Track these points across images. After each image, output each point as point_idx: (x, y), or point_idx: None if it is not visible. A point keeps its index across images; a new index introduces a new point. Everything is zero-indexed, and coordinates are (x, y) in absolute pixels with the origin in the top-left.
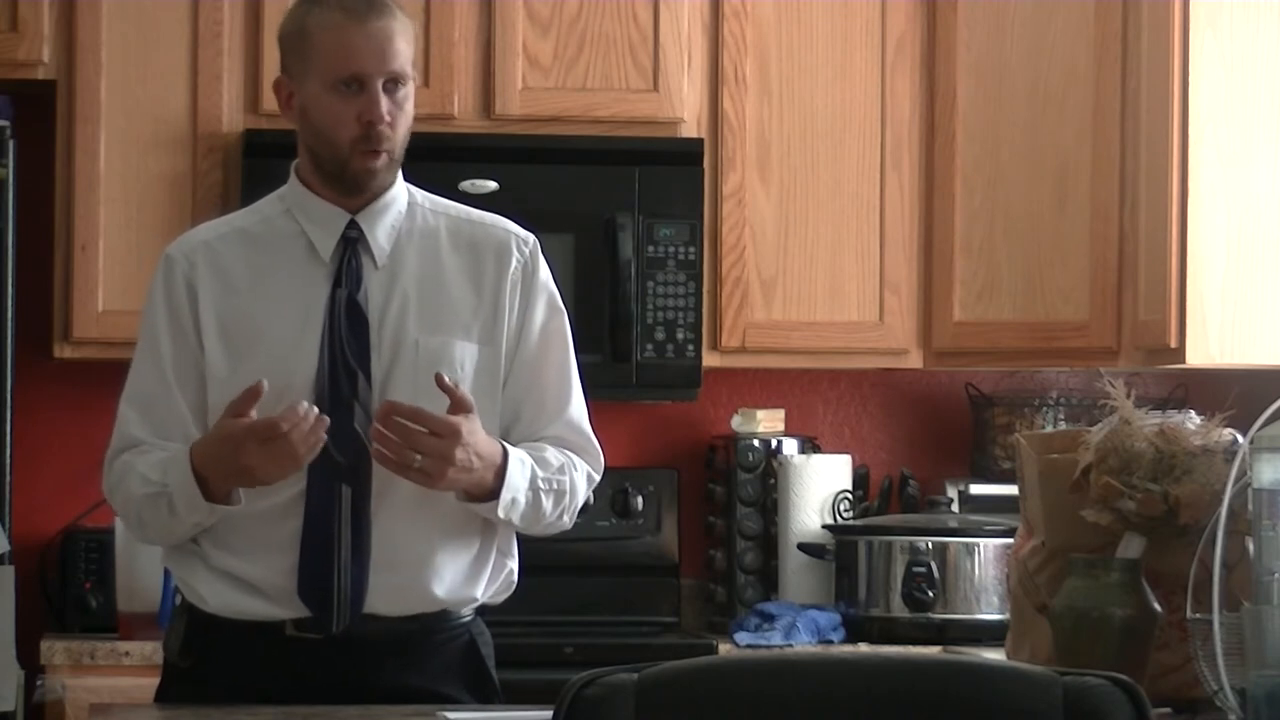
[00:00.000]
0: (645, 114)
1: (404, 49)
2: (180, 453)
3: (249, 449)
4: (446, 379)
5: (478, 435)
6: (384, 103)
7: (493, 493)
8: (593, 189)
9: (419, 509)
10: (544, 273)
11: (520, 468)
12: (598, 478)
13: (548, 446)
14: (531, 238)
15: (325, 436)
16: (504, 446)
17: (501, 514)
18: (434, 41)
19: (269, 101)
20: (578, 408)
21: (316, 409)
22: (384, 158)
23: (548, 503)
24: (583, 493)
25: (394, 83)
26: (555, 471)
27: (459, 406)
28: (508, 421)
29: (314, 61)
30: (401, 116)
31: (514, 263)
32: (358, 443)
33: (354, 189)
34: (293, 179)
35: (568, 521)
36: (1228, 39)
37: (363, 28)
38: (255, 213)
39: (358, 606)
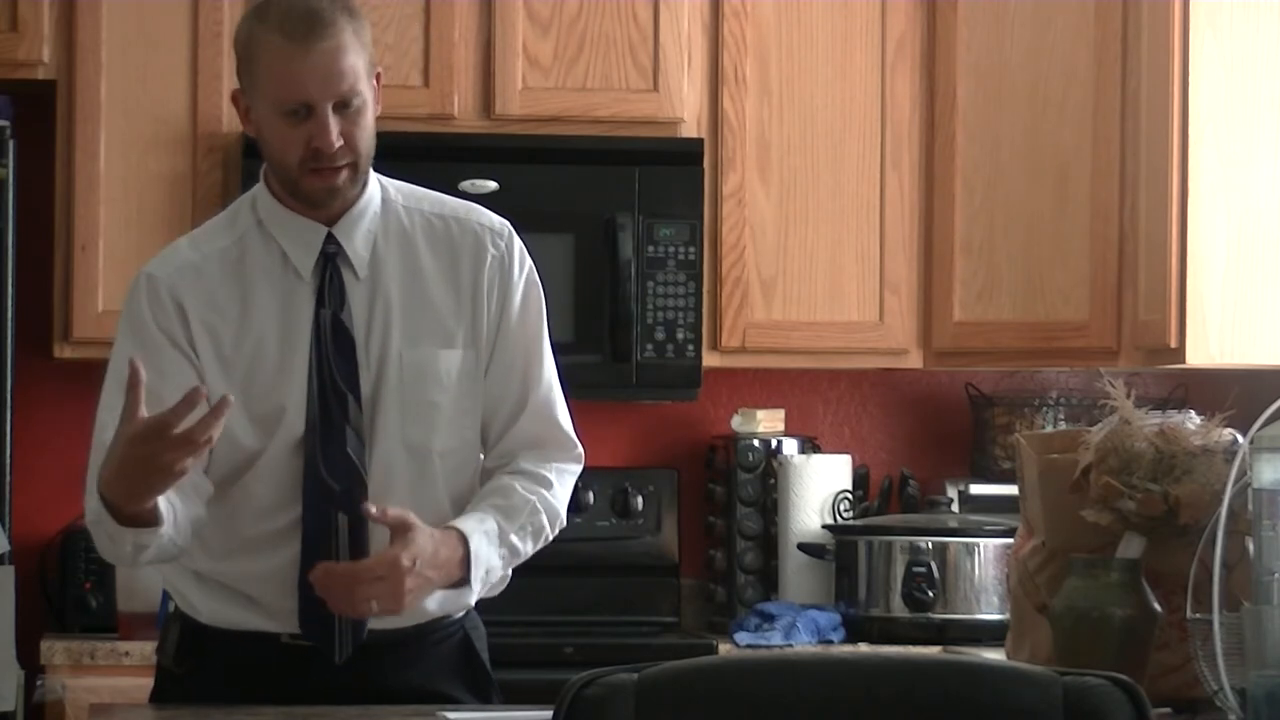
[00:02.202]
0: (645, 114)
1: (353, 64)
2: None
3: (147, 452)
4: (373, 510)
5: (423, 549)
6: (334, 127)
7: (464, 577)
8: (593, 189)
9: None
10: (519, 262)
11: (486, 542)
12: (577, 468)
13: (515, 486)
14: (506, 228)
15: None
16: (463, 534)
17: (478, 588)
18: (434, 41)
19: None
20: (546, 394)
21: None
22: (344, 174)
23: (526, 545)
24: (562, 503)
25: (344, 102)
26: (527, 516)
27: (397, 529)
28: (486, 416)
29: (260, 85)
30: (358, 131)
31: (489, 259)
32: (350, 468)
33: (314, 205)
34: (263, 188)
35: (551, 538)
36: (1228, 39)
37: (305, 52)
38: (230, 228)
39: (359, 635)
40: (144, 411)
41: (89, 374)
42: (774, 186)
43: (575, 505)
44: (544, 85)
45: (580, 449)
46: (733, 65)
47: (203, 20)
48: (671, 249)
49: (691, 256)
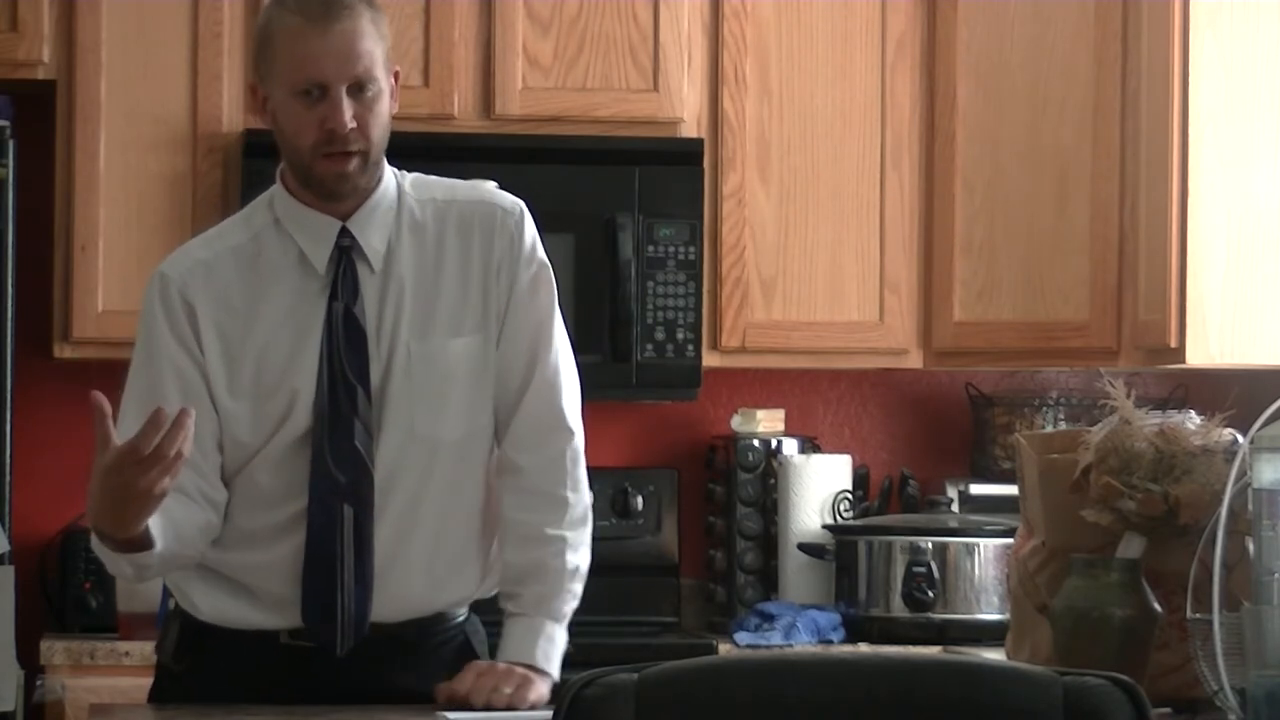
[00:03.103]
0: (645, 114)
1: (370, 49)
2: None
3: (123, 481)
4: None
5: (496, 667)
6: (348, 108)
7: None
8: (593, 189)
9: (421, 520)
10: (529, 241)
11: (548, 645)
12: (581, 459)
13: (546, 560)
14: (518, 207)
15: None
16: (530, 665)
17: (562, 644)
18: (434, 41)
19: None
20: (551, 376)
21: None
22: (355, 161)
23: (577, 594)
24: (583, 512)
25: (359, 86)
26: (567, 581)
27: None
28: (496, 396)
29: (276, 68)
30: (372, 118)
31: (499, 238)
32: (358, 460)
33: (326, 195)
34: (279, 186)
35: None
36: (1228, 39)
37: (322, 33)
38: (246, 226)
39: (361, 629)
40: (116, 440)
41: (89, 374)
42: (774, 186)
43: None
44: (544, 85)
45: (577, 435)
46: (733, 65)
47: (203, 20)
48: (671, 249)
49: (691, 256)
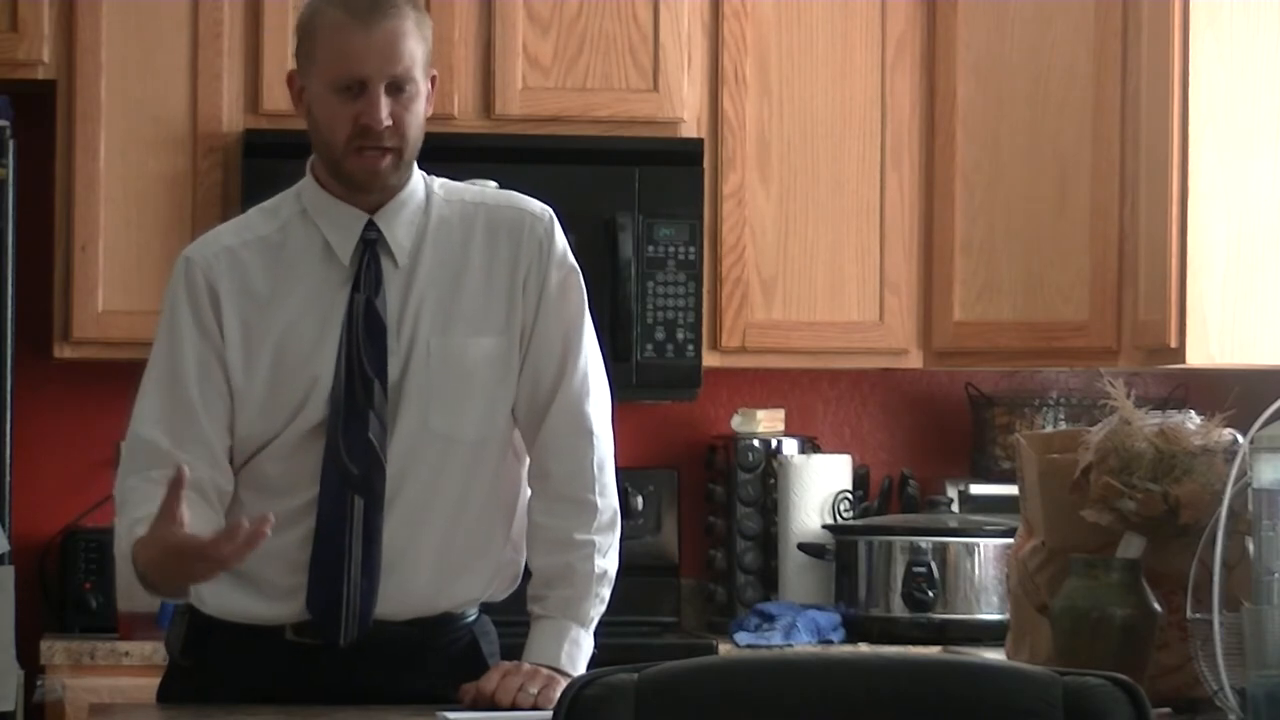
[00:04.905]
0: (645, 114)
1: (411, 49)
2: (127, 548)
3: (184, 563)
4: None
5: (520, 668)
6: (385, 106)
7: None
8: (593, 189)
9: (430, 517)
10: (558, 247)
11: (573, 648)
12: (609, 465)
13: (573, 564)
14: (546, 214)
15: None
16: (554, 668)
17: (587, 649)
18: (434, 41)
19: (269, 101)
20: (580, 384)
21: (264, 520)
22: (389, 159)
23: (604, 597)
24: (612, 519)
25: (397, 85)
26: (594, 584)
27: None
28: (523, 403)
29: (318, 61)
30: (408, 117)
31: (527, 244)
32: (370, 453)
33: (357, 188)
34: (309, 179)
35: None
36: (1228, 39)
37: (366, 30)
38: (274, 215)
39: (366, 621)
40: (184, 511)
41: (89, 374)
42: (774, 186)
43: None
44: (544, 85)
45: (604, 440)
46: (733, 65)
47: (203, 20)
48: (671, 249)
49: (691, 256)
